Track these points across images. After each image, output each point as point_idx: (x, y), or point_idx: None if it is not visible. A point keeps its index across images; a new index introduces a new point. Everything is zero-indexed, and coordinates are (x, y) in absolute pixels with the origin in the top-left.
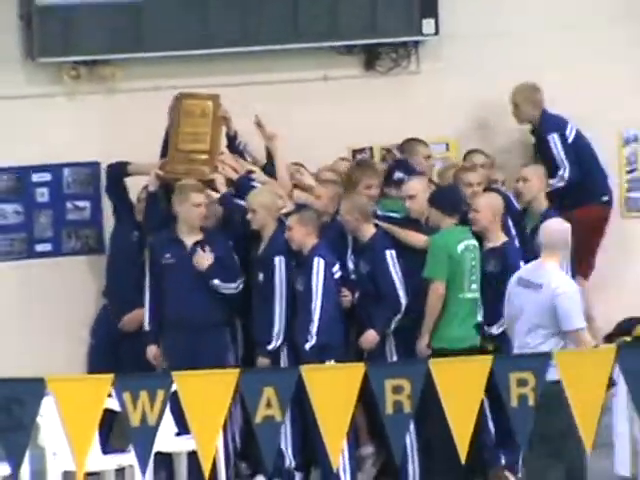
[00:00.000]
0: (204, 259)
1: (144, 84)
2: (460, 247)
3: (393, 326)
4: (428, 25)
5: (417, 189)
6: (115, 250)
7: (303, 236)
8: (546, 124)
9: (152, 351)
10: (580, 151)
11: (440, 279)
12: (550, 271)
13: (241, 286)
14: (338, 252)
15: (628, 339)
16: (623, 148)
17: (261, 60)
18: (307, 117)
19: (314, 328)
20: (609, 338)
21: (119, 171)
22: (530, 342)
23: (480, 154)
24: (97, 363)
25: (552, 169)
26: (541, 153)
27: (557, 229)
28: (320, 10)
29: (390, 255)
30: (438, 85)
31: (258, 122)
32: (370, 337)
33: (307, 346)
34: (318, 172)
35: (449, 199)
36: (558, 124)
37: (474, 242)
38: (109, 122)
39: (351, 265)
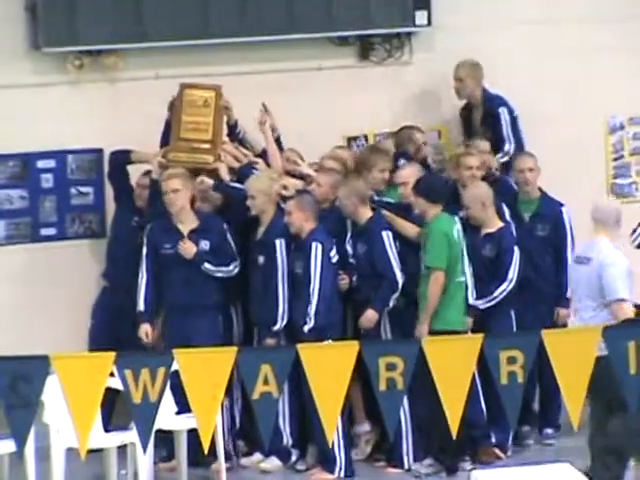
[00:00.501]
0: (189, 248)
1: (145, 73)
2: (454, 232)
3: (391, 304)
4: (421, 17)
5: (409, 176)
6: (115, 234)
7: (301, 221)
8: (494, 99)
9: (145, 329)
10: (516, 130)
11: (442, 268)
12: (600, 245)
13: (236, 269)
14: (337, 237)
15: None
16: (610, 136)
17: (258, 50)
18: (303, 106)
19: (312, 311)
20: None
21: (122, 158)
22: (584, 316)
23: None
24: (97, 343)
25: (494, 144)
26: (486, 127)
27: (607, 206)
28: (315, 2)
29: (387, 235)
30: (430, 75)
31: (265, 108)
32: (370, 315)
33: (306, 328)
34: (320, 160)
35: (433, 187)
36: (503, 100)
37: (460, 226)
38: (112, 110)
39: (350, 249)
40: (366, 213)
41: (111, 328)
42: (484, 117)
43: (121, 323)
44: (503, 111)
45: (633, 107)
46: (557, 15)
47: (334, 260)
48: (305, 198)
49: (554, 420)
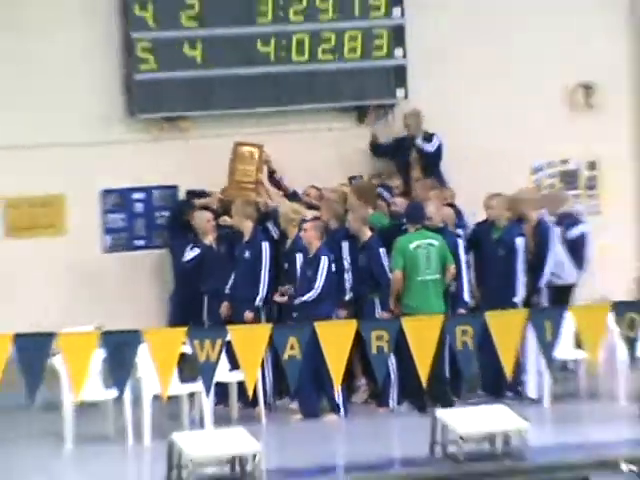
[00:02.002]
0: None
1: (209, 133)
2: (412, 246)
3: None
4: (400, 92)
5: (431, 211)
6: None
7: (313, 238)
8: (431, 135)
9: (225, 306)
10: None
11: (397, 269)
12: None
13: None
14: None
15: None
16: (532, 175)
17: (285, 116)
18: (318, 155)
19: (310, 297)
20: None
21: (186, 208)
22: None
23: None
24: (173, 321)
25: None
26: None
27: None
28: (326, 82)
29: (383, 252)
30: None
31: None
32: (385, 316)
33: (299, 300)
34: (324, 193)
35: (412, 213)
36: (438, 136)
37: (429, 241)
38: (184, 159)
39: (347, 264)
40: (367, 232)
41: (183, 313)
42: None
43: (188, 309)
44: (437, 136)
45: (549, 154)
46: (495, 73)
47: (333, 269)
48: (319, 223)
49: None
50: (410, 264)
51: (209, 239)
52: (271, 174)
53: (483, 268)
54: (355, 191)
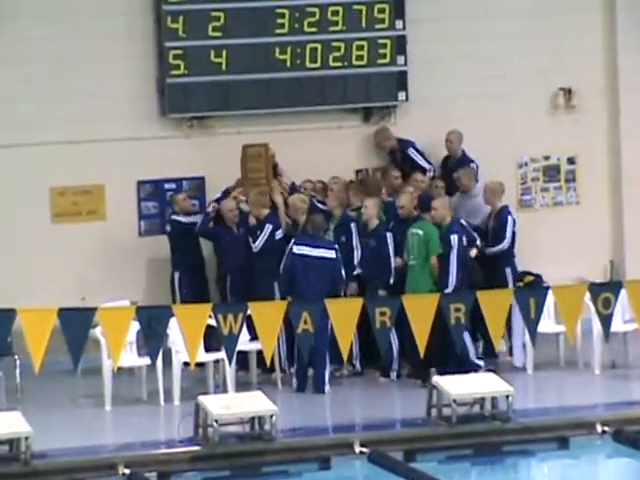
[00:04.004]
0: None
1: (230, 130)
2: (408, 233)
3: (392, 280)
4: (402, 95)
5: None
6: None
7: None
8: (403, 144)
9: None
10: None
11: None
12: None
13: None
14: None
15: (520, 284)
16: (519, 169)
17: (300, 116)
18: (328, 150)
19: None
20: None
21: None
22: None
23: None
24: (187, 297)
25: (411, 170)
26: (406, 164)
27: None
28: (337, 85)
29: (389, 236)
30: (408, 132)
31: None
32: (381, 293)
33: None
34: (329, 183)
35: (423, 203)
36: (410, 142)
37: (417, 231)
38: (210, 153)
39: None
40: (375, 221)
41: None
42: (402, 156)
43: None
44: (411, 150)
45: (533, 151)
46: (492, 88)
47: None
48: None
49: None
50: (407, 249)
51: (233, 226)
52: (274, 167)
53: None
54: (362, 185)
